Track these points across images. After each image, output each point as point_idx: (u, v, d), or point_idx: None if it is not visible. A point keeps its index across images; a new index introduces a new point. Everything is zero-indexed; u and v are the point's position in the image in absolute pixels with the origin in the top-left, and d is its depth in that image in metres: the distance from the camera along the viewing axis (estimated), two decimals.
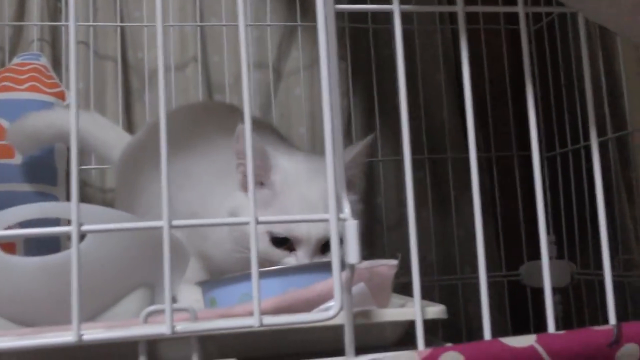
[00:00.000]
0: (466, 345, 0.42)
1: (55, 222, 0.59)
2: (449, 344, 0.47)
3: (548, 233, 1.24)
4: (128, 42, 1.28)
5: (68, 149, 1.16)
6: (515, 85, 1.29)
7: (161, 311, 0.42)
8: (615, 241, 1.12)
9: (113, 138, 1.00)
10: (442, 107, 1.30)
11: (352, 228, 0.42)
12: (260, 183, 0.67)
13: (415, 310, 0.45)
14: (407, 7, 0.50)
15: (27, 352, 0.43)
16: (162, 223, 0.39)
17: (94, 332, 0.40)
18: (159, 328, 0.40)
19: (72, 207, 0.39)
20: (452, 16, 1.34)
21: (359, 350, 0.43)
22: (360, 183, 0.75)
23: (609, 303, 0.50)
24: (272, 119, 1.28)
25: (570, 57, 1.15)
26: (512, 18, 1.26)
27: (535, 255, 1.25)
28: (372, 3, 1.26)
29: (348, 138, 1.29)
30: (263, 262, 0.63)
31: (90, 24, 1.23)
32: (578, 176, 1.15)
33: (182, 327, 0.41)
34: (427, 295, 1.24)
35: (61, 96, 1.13)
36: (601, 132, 1.10)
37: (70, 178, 0.40)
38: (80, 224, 0.38)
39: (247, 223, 0.41)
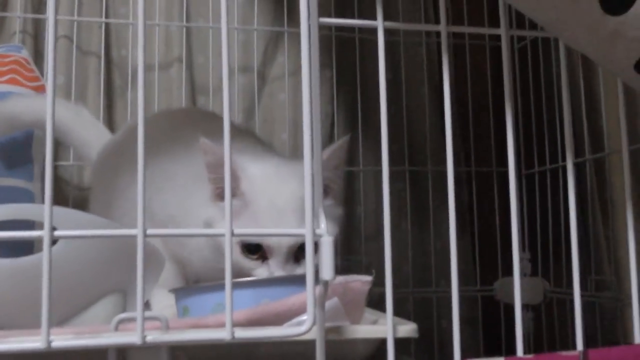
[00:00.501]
0: None
1: (30, 223, 0.58)
2: None
3: (523, 250, 1.25)
4: (112, 38, 1.27)
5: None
6: (497, 102, 1.30)
7: (133, 319, 0.42)
8: (589, 261, 1.13)
9: (94, 136, 0.99)
10: (425, 120, 1.31)
11: (327, 245, 0.42)
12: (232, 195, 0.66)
13: (387, 328, 0.45)
14: (391, 24, 0.51)
15: None
16: (137, 231, 0.39)
17: (63, 339, 0.39)
18: (130, 337, 0.40)
19: (45, 211, 0.38)
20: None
21: None
22: (337, 188, 0.75)
23: (577, 327, 0.50)
24: (255, 124, 1.27)
25: (552, 75, 1.16)
26: (497, 35, 1.28)
27: (510, 271, 1.27)
28: (358, 16, 1.29)
29: (330, 144, 1.29)
30: (236, 272, 0.63)
31: (74, 18, 1.21)
32: (555, 195, 1.16)
33: (153, 337, 0.41)
34: (401, 306, 1.25)
35: (41, 90, 1.11)
36: (580, 152, 1.12)
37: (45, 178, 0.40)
38: (53, 229, 0.38)
39: (222, 235, 0.41)
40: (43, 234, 0.38)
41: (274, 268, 0.63)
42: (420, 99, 1.32)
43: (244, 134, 0.87)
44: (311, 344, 0.43)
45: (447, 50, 0.51)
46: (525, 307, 1.23)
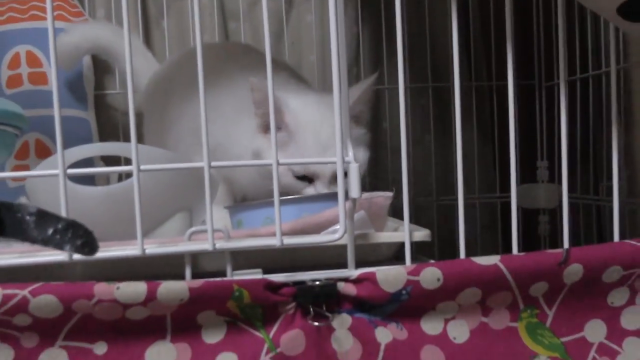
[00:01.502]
0: (443, 263, 0.53)
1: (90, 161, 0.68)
2: (431, 261, 0.58)
3: (541, 158, 1.33)
4: None
5: (96, 75, 1.24)
6: (519, 18, 1.33)
7: (202, 231, 0.53)
8: (602, 168, 1.21)
9: (143, 64, 1.08)
10: (448, 37, 1.35)
11: (355, 170, 0.52)
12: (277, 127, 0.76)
13: (404, 233, 0.56)
14: None
15: (95, 263, 0.54)
16: (204, 164, 0.49)
17: (153, 247, 0.51)
18: (203, 245, 0.51)
19: (132, 150, 0.48)
20: None
21: (359, 264, 0.55)
22: (367, 117, 0.84)
23: (565, 229, 0.60)
24: (283, 47, 1.34)
25: None
26: None
27: (528, 178, 1.35)
28: None
29: (356, 65, 1.36)
30: (287, 192, 0.75)
31: None
32: (573, 106, 1.22)
33: (220, 244, 0.52)
34: (426, 213, 1.35)
35: None
36: (606, 63, 1.16)
37: (129, 122, 0.49)
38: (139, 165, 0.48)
39: (270, 164, 0.51)
40: (132, 168, 0.48)
41: (319, 188, 0.76)
42: (444, 16, 1.36)
43: (280, 67, 0.94)
44: (343, 248, 0.54)
45: None
46: (542, 211, 1.33)
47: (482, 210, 1.36)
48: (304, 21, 1.37)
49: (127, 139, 1.26)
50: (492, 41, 1.33)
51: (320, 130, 0.76)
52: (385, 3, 1.32)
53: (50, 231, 0.29)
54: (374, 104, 1.33)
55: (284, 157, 0.74)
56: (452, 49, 0.55)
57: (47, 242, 0.29)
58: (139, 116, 1.28)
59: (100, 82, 1.28)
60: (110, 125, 1.28)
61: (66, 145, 0.49)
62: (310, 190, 0.77)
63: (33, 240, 0.29)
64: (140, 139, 0.50)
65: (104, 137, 1.23)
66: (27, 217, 0.29)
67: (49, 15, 0.50)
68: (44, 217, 0.29)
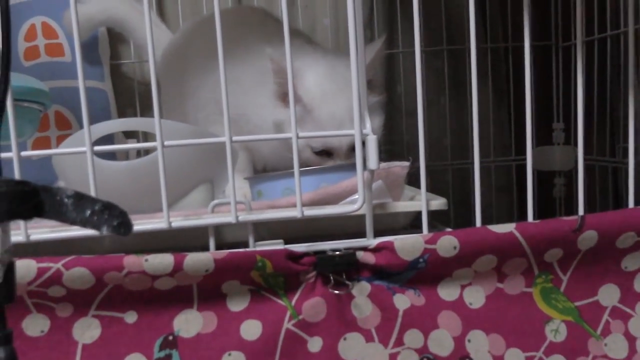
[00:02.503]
0: (459, 231, 0.54)
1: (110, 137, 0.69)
2: (448, 229, 0.59)
3: (558, 120, 1.32)
4: None
5: (111, 46, 1.25)
6: None
7: (225, 203, 0.55)
8: (619, 129, 1.20)
9: (157, 36, 1.08)
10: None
11: (372, 142, 0.53)
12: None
13: (422, 203, 0.57)
14: None
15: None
16: (225, 139, 0.51)
17: (178, 220, 0.53)
18: (226, 217, 0.53)
19: (155, 126, 0.50)
20: None
21: (377, 233, 0.56)
22: (380, 80, 0.83)
23: (580, 195, 0.60)
24: (297, 10, 1.33)
25: None
26: None
27: (543, 141, 1.35)
28: None
29: (370, 28, 1.35)
30: (305, 164, 0.77)
31: None
32: (590, 67, 1.20)
33: (242, 216, 0.54)
34: (441, 177, 1.35)
35: None
36: (624, 23, 1.14)
37: (152, 98, 0.50)
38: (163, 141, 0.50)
39: (290, 137, 0.52)
40: (157, 144, 0.50)
41: (339, 161, 0.77)
42: None
43: (295, 34, 0.93)
44: (362, 217, 0.56)
45: None
46: (558, 173, 1.33)
47: (498, 172, 1.36)
48: None
49: (143, 107, 1.28)
50: (508, 1, 1.31)
51: (334, 105, 0.76)
52: None
53: (87, 212, 0.31)
54: (386, 67, 1.34)
55: (302, 131, 0.75)
56: (467, 10, 0.55)
57: (85, 223, 0.31)
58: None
59: (115, 52, 1.29)
60: (127, 95, 1.29)
61: (88, 113, 0.50)
62: (330, 164, 0.78)
63: (72, 222, 0.31)
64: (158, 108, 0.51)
65: (121, 106, 1.25)
66: (66, 200, 0.31)
67: None
68: (82, 199, 0.31)
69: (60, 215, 0.31)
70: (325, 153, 0.78)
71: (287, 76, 0.50)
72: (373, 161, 0.53)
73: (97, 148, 0.50)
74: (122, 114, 1.25)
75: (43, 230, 0.53)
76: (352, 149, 0.76)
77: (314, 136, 0.72)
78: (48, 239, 0.52)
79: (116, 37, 1.27)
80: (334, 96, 0.76)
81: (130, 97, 1.29)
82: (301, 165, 0.54)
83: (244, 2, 1.35)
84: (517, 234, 0.54)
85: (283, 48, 0.53)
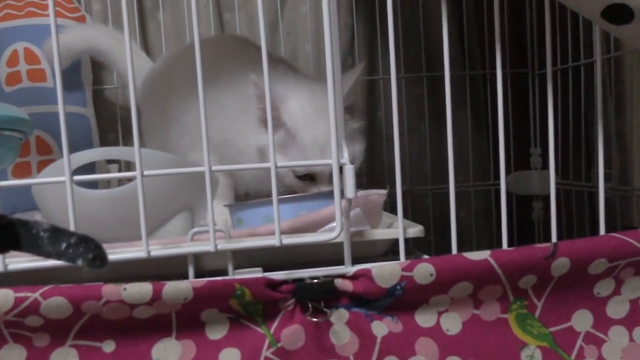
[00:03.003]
0: (436, 258, 0.55)
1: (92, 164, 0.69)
2: (425, 256, 0.60)
3: (535, 146, 1.35)
4: None
5: (94, 71, 1.25)
6: (512, 6, 1.34)
7: (203, 231, 0.55)
8: (594, 154, 1.23)
9: (138, 65, 1.09)
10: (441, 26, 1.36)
11: (350, 171, 0.54)
12: (276, 126, 0.79)
13: (399, 230, 0.58)
14: None
15: None
16: (204, 168, 0.51)
17: (157, 249, 0.53)
18: (205, 246, 0.54)
19: (135, 155, 0.50)
20: None
21: (356, 261, 0.57)
22: (359, 105, 0.85)
23: (553, 222, 0.62)
24: (279, 37, 1.35)
25: None
26: None
27: (522, 165, 1.37)
28: None
29: (351, 56, 1.37)
30: (292, 191, 0.78)
31: None
32: (565, 93, 1.23)
33: (221, 245, 0.54)
34: (421, 202, 1.36)
35: (82, 20, 1.20)
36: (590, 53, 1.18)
37: (132, 130, 0.51)
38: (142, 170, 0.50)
39: (268, 167, 0.53)
40: (136, 174, 0.50)
41: (322, 187, 0.79)
42: (437, 6, 1.36)
43: (277, 61, 0.95)
44: (340, 245, 0.57)
45: None
46: (536, 197, 1.35)
47: (477, 196, 1.38)
48: (298, 12, 1.38)
49: (126, 133, 1.28)
50: (486, 30, 1.35)
51: (317, 129, 0.77)
52: None
53: (63, 246, 0.31)
54: (367, 93, 1.36)
55: (286, 157, 0.77)
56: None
57: (60, 256, 0.31)
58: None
59: (97, 77, 1.29)
60: (109, 120, 1.29)
61: (68, 142, 0.50)
62: (314, 189, 0.79)
63: (48, 255, 0.31)
64: (139, 135, 0.51)
65: (103, 131, 1.25)
66: (42, 233, 0.31)
67: (51, 18, 0.51)
68: (57, 232, 0.31)
69: (37, 248, 0.31)
70: (309, 177, 0.79)
71: (270, 102, 0.51)
72: (350, 190, 0.54)
73: (77, 177, 0.51)
74: (104, 139, 1.25)
75: (21, 259, 0.53)
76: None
77: (291, 166, 0.73)
78: (26, 269, 0.52)
79: (99, 63, 1.28)
80: (316, 120, 0.78)
81: (112, 122, 1.29)
82: (286, 189, 0.55)
83: (226, 31, 1.36)
84: (492, 261, 0.55)
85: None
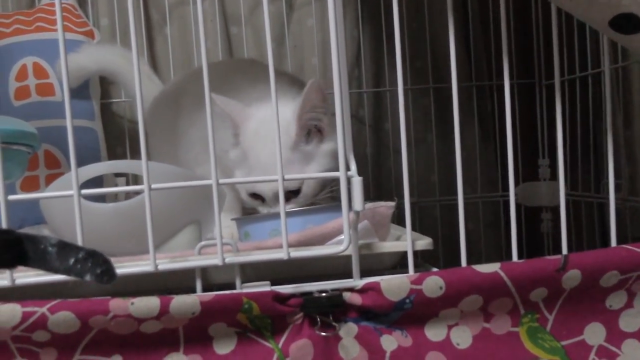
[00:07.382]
0: (445, 271, 0.55)
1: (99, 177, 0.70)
2: (434, 269, 0.60)
3: (543, 157, 1.34)
4: None
5: (102, 85, 1.26)
6: (519, 17, 1.34)
7: (211, 245, 0.55)
8: (603, 165, 1.22)
9: (148, 87, 1.11)
10: (448, 37, 1.36)
11: (357, 183, 0.53)
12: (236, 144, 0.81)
13: (407, 243, 0.58)
14: None
15: None
16: (211, 182, 0.51)
17: (164, 262, 0.53)
18: (213, 259, 0.53)
19: (143, 169, 0.50)
20: None
21: (364, 274, 0.57)
22: (327, 121, 0.79)
23: (563, 235, 0.61)
24: (286, 50, 1.36)
25: None
26: None
27: (530, 177, 1.36)
28: None
29: (357, 68, 1.37)
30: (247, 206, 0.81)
31: None
32: (573, 104, 1.23)
33: (229, 258, 0.54)
34: (429, 214, 1.36)
35: (90, 35, 1.21)
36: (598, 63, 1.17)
37: (139, 144, 0.51)
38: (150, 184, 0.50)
39: (210, 183, 0.52)
40: (144, 187, 0.50)
41: (270, 207, 0.78)
42: (444, 18, 1.37)
43: (279, 76, 0.93)
44: (349, 258, 0.56)
45: None
46: (545, 209, 1.34)
47: (485, 208, 1.37)
48: (305, 24, 1.39)
49: (133, 145, 1.29)
50: (492, 40, 1.35)
51: (260, 150, 0.78)
52: (385, 5, 1.33)
53: (71, 261, 0.31)
54: (374, 105, 1.35)
55: (242, 175, 0.80)
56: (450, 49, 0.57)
57: (68, 272, 0.31)
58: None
59: (105, 90, 1.30)
60: (117, 133, 1.30)
61: (75, 156, 0.50)
62: (262, 209, 0.79)
63: (55, 270, 0.31)
64: (147, 150, 0.52)
65: (110, 145, 1.25)
66: (50, 248, 0.31)
67: (60, 36, 0.51)
68: (65, 247, 0.31)
69: (44, 263, 0.31)
70: (260, 197, 0.79)
71: (232, 120, 0.51)
72: (358, 202, 0.54)
73: (85, 191, 0.51)
74: (112, 152, 1.26)
75: (29, 274, 0.52)
76: (277, 196, 0.74)
77: (234, 182, 0.78)
78: (33, 283, 0.52)
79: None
80: (261, 142, 0.78)
81: (120, 135, 1.30)
82: (242, 205, 0.55)
83: (233, 45, 1.37)
84: (502, 274, 0.55)
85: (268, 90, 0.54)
